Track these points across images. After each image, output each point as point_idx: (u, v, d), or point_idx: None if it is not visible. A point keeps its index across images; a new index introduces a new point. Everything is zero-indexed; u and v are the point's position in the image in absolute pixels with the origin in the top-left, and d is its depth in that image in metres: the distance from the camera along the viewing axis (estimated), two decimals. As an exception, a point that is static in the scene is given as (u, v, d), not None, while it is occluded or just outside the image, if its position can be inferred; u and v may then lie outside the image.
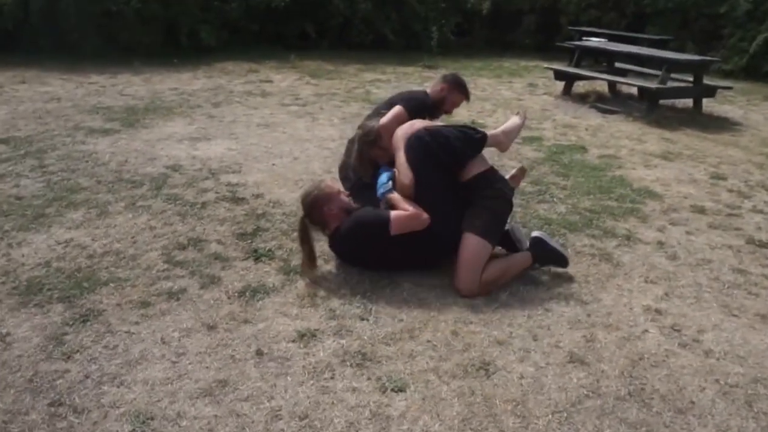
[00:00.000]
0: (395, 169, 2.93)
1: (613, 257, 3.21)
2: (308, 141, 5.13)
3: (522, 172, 3.46)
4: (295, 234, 3.01)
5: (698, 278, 3.04)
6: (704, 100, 6.81)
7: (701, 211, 3.91)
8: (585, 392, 2.15)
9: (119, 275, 2.73)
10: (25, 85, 6.88)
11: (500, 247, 3.07)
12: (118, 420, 1.89)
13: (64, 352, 2.18)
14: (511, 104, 7.02)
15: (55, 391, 1.99)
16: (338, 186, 3.01)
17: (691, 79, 6.68)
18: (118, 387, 2.02)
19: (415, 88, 4.41)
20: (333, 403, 2.02)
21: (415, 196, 2.80)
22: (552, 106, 7.01)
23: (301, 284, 2.76)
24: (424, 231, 2.74)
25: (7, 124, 5.17)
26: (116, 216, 3.37)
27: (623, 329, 2.56)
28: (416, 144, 2.86)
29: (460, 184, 2.92)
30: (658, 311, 2.71)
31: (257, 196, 3.77)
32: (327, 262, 2.97)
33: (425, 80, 8.31)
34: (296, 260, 2.95)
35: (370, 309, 2.59)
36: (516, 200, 3.89)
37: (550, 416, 2.02)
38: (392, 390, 2.09)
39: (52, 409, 1.92)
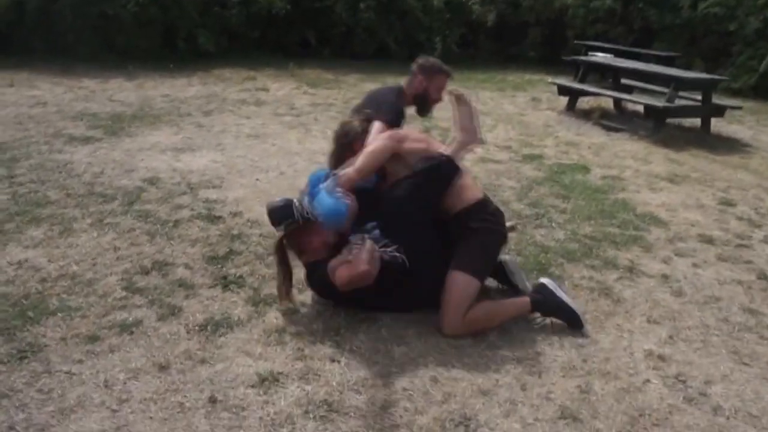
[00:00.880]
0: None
1: (613, 292, 2.96)
2: (298, 154, 4.90)
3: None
4: (271, 258, 2.78)
5: (706, 318, 2.79)
6: (712, 120, 6.56)
7: (709, 240, 3.66)
8: (577, 456, 1.90)
9: (70, 303, 2.49)
10: (13, 89, 6.68)
11: (491, 278, 2.83)
12: (40, 482, 1.65)
13: (-9, 396, 1.94)
14: (513, 119, 6.80)
15: (-30, 445, 1.75)
16: None
17: (699, 97, 6.43)
18: (45, 441, 1.78)
19: (389, 84, 4.06)
20: (289, 464, 1.77)
21: (396, 236, 2.51)
22: (555, 122, 6.77)
23: (269, 317, 2.51)
24: (403, 278, 2.48)
25: (-15, 130, 4.96)
26: (80, 234, 3.14)
27: (622, 378, 2.31)
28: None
29: (450, 216, 2.66)
30: (661, 357, 2.45)
31: (235, 214, 3.54)
32: (301, 292, 2.73)
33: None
34: (267, 289, 2.71)
35: (343, 348, 2.35)
36: (510, 223, 3.67)
37: (536, 486, 1.77)
38: (358, 450, 1.85)
39: (-33, 466, 1.69)
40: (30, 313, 2.39)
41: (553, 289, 2.67)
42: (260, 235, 3.26)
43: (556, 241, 3.51)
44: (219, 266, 2.90)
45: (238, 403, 2.01)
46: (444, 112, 6.28)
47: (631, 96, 6.86)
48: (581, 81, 7.17)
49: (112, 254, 2.95)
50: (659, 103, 6.11)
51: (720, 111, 6.57)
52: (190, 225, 3.34)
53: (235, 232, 3.29)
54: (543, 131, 6.29)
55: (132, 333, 2.33)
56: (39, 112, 5.70)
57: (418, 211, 2.60)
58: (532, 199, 4.20)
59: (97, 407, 1.93)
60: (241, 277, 2.81)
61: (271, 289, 2.70)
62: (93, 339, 2.27)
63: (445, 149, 2.81)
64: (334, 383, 2.14)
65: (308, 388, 2.10)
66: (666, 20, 9.44)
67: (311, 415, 1.98)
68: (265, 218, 2.71)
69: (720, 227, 3.91)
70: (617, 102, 7.35)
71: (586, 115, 7.08)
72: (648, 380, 2.31)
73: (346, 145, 2.82)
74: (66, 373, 2.08)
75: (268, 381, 2.11)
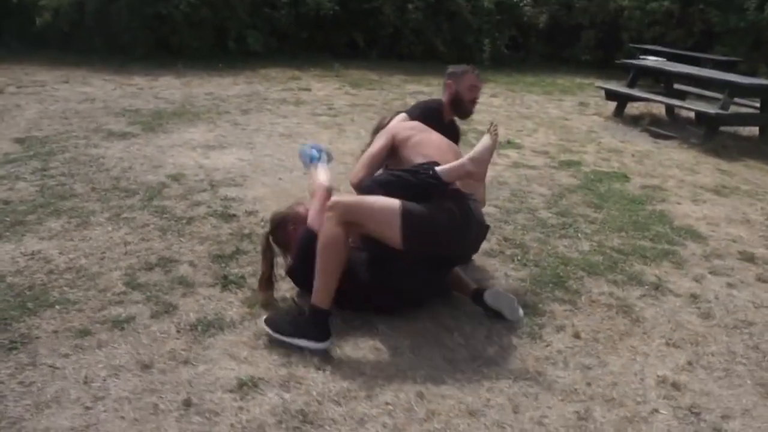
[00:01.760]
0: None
1: (633, 310, 2.77)
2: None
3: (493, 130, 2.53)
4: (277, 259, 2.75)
5: (733, 345, 2.56)
6: (773, 129, 6.14)
7: (750, 259, 3.38)
8: (562, 489, 1.75)
9: (69, 296, 2.52)
10: (67, 85, 6.95)
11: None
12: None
13: (-27, 386, 1.97)
14: (555, 124, 6.55)
15: (-58, 434, 1.78)
16: None
17: (758, 104, 6.01)
18: (14, 435, 1.79)
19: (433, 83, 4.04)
20: (252, 475, 1.71)
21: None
22: (600, 128, 6.49)
23: (262, 321, 2.46)
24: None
25: (32, 124, 5.16)
26: (95, 228, 3.19)
27: (628, 406, 2.13)
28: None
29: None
30: (675, 385, 2.26)
31: (250, 213, 3.52)
32: (300, 295, 2.66)
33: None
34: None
35: (332, 356, 2.27)
36: (534, 233, 3.51)
37: None
38: (326, 465, 1.77)
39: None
40: (30, 305, 2.43)
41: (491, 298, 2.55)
42: (259, 281, 3.19)
43: (579, 252, 3.33)
44: (223, 265, 2.88)
45: (212, 407, 1.96)
46: (484, 114, 6.15)
47: (683, 102, 6.50)
48: (630, 85, 6.84)
49: (122, 249, 2.98)
50: (712, 110, 5.74)
51: (781, 120, 6.13)
52: (204, 222, 3.34)
53: (246, 231, 3.28)
54: (585, 137, 6.03)
55: (123, 329, 2.33)
56: (85, 108, 5.89)
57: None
58: (561, 207, 4.01)
59: (71, 403, 1.93)
60: (242, 277, 2.78)
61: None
62: (84, 333, 2.28)
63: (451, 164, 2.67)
64: (314, 393, 2.07)
65: (287, 396, 2.04)
66: (729, 23, 8.91)
67: (284, 425, 1.91)
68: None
69: (765, 245, 3.61)
70: (670, 108, 6.98)
71: (634, 121, 6.76)
72: (656, 410, 2.13)
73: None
74: (50, 366, 2.09)
75: (247, 386, 2.06)
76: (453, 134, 3.19)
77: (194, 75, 8.02)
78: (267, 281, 2.56)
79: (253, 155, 4.68)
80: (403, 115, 3.16)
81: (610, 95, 6.92)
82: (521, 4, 10.50)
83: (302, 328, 2.26)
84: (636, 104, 7.10)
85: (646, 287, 2.99)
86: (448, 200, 2.41)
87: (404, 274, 2.45)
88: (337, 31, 10.15)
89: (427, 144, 2.72)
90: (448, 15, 10.19)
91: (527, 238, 3.46)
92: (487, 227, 2.63)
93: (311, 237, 2.37)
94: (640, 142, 5.95)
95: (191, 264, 2.88)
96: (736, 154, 5.58)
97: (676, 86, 6.98)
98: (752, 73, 8.29)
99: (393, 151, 2.77)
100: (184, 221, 3.34)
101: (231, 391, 2.04)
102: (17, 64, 7.74)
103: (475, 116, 3.46)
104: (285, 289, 2.70)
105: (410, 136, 2.74)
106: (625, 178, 4.73)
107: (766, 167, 5.31)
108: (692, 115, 6.75)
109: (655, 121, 6.73)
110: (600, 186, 4.49)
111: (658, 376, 2.31)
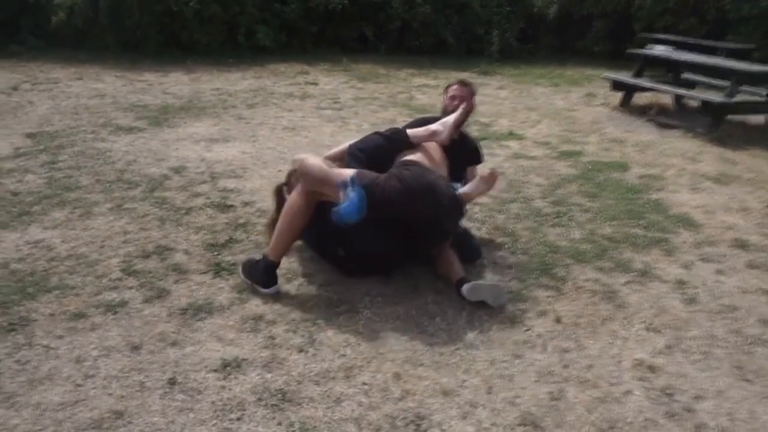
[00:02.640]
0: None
1: (617, 296, 2.80)
2: (327, 147, 4.89)
3: (491, 177, 2.87)
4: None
5: (715, 329, 2.58)
6: (783, 118, 6.06)
7: (743, 246, 3.39)
8: (527, 464, 1.81)
9: (68, 282, 2.63)
10: (80, 82, 7.11)
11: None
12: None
13: (-28, 365, 2.08)
14: (560, 115, 6.55)
15: (-59, 407, 1.89)
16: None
17: (766, 92, 5.94)
18: (7, 409, 1.89)
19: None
20: (229, 449, 1.80)
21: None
22: (605, 119, 6.46)
23: (250, 305, 2.56)
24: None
25: (43, 119, 5.31)
26: (97, 217, 3.31)
27: (601, 387, 2.18)
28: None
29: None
30: (651, 368, 2.30)
31: (247, 203, 3.61)
32: (289, 281, 2.76)
33: (479, 86, 7.94)
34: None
35: (315, 339, 2.35)
36: (527, 222, 3.55)
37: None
38: (300, 439, 1.85)
39: (-64, 427, 1.82)
40: (30, 290, 2.55)
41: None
42: (265, 225, 3.31)
43: (569, 241, 3.36)
44: (216, 253, 2.97)
45: (195, 386, 2.05)
46: (489, 107, 6.17)
47: (690, 91, 6.44)
48: (637, 75, 6.80)
49: (121, 238, 3.09)
50: (716, 98, 5.70)
51: (790, 108, 6.06)
52: (201, 213, 3.44)
53: (242, 221, 3.37)
54: (589, 128, 6.01)
55: (116, 313, 2.43)
56: (96, 103, 6.04)
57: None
58: (557, 197, 4.03)
59: (63, 381, 2.03)
60: (234, 264, 2.87)
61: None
62: (78, 317, 2.39)
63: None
64: (294, 373, 2.15)
65: (268, 376, 2.12)
66: (743, 10, 8.77)
67: (263, 403, 1.99)
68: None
69: (760, 232, 3.60)
70: (678, 98, 6.92)
71: (641, 111, 6.72)
72: (629, 391, 2.17)
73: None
74: (45, 347, 2.20)
75: (230, 366, 2.15)
76: (458, 145, 3.19)
77: (204, 71, 8.13)
78: (273, 225, 2.79)
79: (255, 148, 4.77)
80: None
81: (617, 85, 6.88)
82: (531, -5, 10.45)
83: (256, 274, 2.65)
84: (645, 95, 7.04)
85: (633, 274, 3.01)
86: (406, 170, 2.68)
87: (369, 238, 2.65)
88: (347, 25, 10.19)
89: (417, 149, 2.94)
90: (458, 7, 10.18)
91: (519, 227, 3.50)
92: (462, 205, 2.75)
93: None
94: (643, 132, 5.93)
95: (186, 252, 2.98)
96: (741, 143, 5.53)
97: (686, 76, 6.91)
98: (766, 60, 8.16)
99: None
100: (182, 211, 3.44)
101: (215, 371, 2.13)
102: (33, 61, 7.93)
103: (479, 108, 3.51)
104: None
105: None
106: (624, 167, 4.73)
107: (771, 156, 5.27)
108: (700, 104, 6.68)
109: (662, 111, 6.68)
110: (598, 175, 4.51)
111: (635, 359, 2.35)
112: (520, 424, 1.97)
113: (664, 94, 6.99)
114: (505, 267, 3.02)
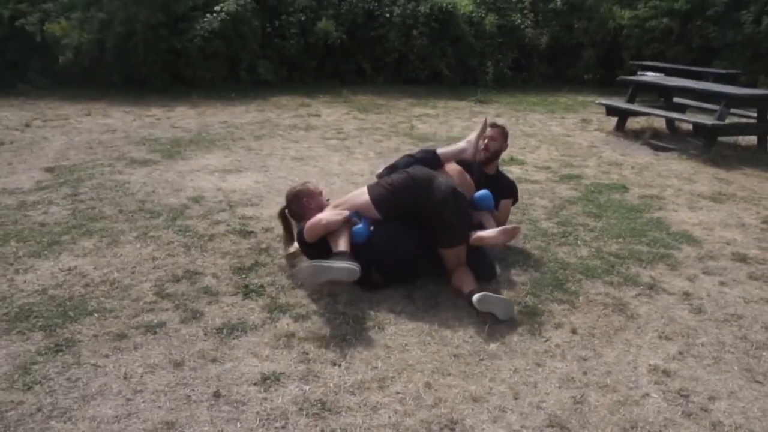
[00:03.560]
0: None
1: (628, 308, 2.95)
2: (337, 175, 5.11)
3: (513, 232, 3.17)
4: (291, 270, 3.16)
5: (723, 336, 2.73)
6: (770, 138, 6.31)
7: (743, 259, 3.55)
8: (557, 462, 1.93)
9: (106, 305, 2.75)
10: (89, 117, 7.30)
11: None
12: (57, 457, 1.86)
13: (26, 383, 2.19)
14: (558, 140, 6.77)
15: (3, 423, 1.99)
16: (321, 189, 3.36)
17: (755, 114, 6.20)
18: (65, 422, 2.00)
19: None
20: (277, 454, 1.91)
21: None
22: (601, 143, 6.69)
23: (282, 323, 2.68)
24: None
25: (59, 154, 5.47)
26: (125, 245, 3.44)
27: (620, 391, 2.31)
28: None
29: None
30: (666, 372, 2.43)
31: (267, 230, 3.76)
32: (315, 300, 2.89)
33: (475, 115, 8.20)
34: (284, 297, 2.90)
35: (346, 353, 2.48)
36: (535, 242, 3.71)
37: (510, 487, 1.82)
38: (343, 444, 1.96)
39: (-2, 441, 1.92)
40: (71, 313, 2.67)
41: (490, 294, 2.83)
42: (283, 244, 3.45)
43: (578, 258, 3.51)
44: (243, 276, 3.10)
45: (239, 398, 2.17)
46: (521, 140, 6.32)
47: (682, 115, 6.70)
48: (630, 101, 7.06)
49: (150, 264, 3.22)
50: (708, 121, 5.94)
51: (778, 129, 6.31)
52: (224, 239, 3.58)
53: (264, 246, 3.51)
54: (587, 152, 6.23)
55: (155, 333, 2.55)
56: (108, 138, 6.21)
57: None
58: (562, 218, 4.20)
59: (114, 396, 2.14)
60: (261, 286, 3.00)
61: (288, 297, 2.88)
62: (121, 337, 2.51)
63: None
64: (331, 384, 2.27)
65: (306, 388, 2.24)
66: (727, 37, 9.14)
67: (305, 413, 2.11)
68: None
69: (758, 246, 3.77)
70: (670, 122, 7.18)
71: (636, 135, 6.96)
72: (647, 394, 2.30)
73: None
74: (93, 365, 2.31)
75: (270, 380, 2.27)
76: (493, 180, 3.74)
77: (208, 105, 8.35)
78: (288, 241, 3.25)
79: (267, 177, 4.93)
80: None
81: (611, 111, 7.14)
82: (523, 27, 10.81)
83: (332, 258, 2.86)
84: (638, 119, 7.30)
85: (641, 287, 3.16)
86: (413, 168, 3.15)
87: (397, 235, 3.00)
88: (345, 59, 10.51)
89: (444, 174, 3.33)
90: (452, 39, 10.52)
91: (528, 246, 3.65)
92: (462, 195, 3.09)
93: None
94: (640, 154, 6.15)
95: (214, 276, 3.11)
96: (734, 162, 5.76)
97: (677, 100, 7.19)
98: (753, 85, 8.49)
99: None
100: (206, 238, 3.58)
101: (255, 384, 2.25)
102: (41, 99, 8.14)
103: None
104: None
105: None
106: (624, 189, 4.92)
107: (763, 174, 5.48)
108: (692, 127, 6.94)
109: (656, 134, 6.93)
110: (600, 197, 4.69)
111: (650, 365, 2.48)
112: (548, 426, 2.10)
113: (657, 118, 7.25)
114: (520, 283, 3.17)
